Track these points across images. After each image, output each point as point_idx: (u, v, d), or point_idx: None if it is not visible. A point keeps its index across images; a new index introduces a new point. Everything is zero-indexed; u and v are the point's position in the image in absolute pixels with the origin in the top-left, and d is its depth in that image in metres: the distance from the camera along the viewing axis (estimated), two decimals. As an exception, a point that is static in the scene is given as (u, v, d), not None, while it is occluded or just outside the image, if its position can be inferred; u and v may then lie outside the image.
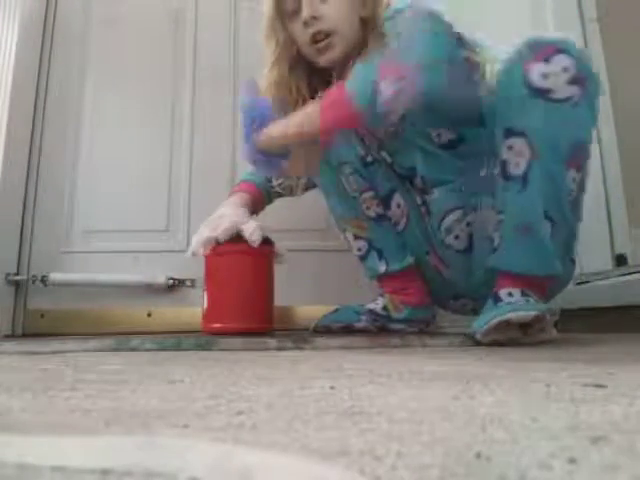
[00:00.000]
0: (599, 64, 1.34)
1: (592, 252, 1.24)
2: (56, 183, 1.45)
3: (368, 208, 1.05)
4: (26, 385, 0.39)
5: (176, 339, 0.79)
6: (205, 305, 0.97)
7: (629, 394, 0.32)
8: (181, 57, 1.54)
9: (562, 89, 0.72)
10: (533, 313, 0.72)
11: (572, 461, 0.18)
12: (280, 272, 1.26)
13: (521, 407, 0.28)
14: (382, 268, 1.07)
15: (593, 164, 1.34)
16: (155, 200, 1.46)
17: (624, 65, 1.36)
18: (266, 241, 0.96)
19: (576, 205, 0.82)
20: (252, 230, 0.91)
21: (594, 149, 1.32)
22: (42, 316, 1.36)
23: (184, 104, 1.51)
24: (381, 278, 1.10)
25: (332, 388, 0.36)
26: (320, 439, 0.22)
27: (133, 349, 0.76)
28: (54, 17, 1.54)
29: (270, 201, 1.17)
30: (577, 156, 0.77)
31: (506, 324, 0.73)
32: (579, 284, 1.20)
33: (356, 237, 1.09)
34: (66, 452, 0.20)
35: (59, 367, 0.53)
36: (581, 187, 0.81)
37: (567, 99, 0.72)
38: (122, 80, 1.52)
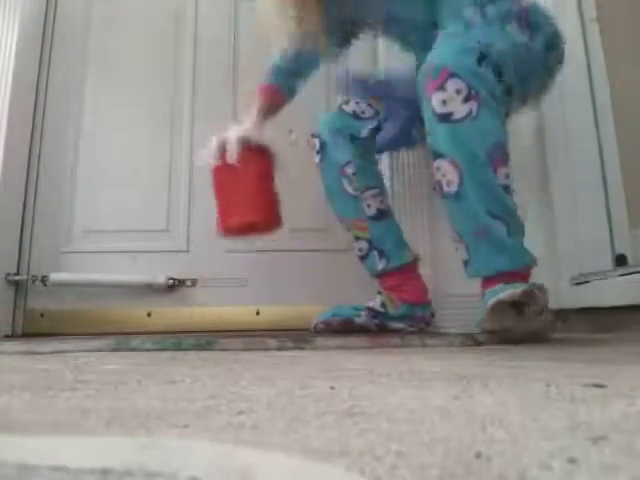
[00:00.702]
0: (599, 64, 1.34)
1: (592, 252, 1.24)
2: (56, 183, 1.45)
3: (369, 206, 1.07)
4: (26, 385, 0.39)
5: (176, 339, 0.79)
6: (217, 212, 1.04)
7: (629, 394, 0.32)
8: (181, 57, 1.54)
9: (460, 109, 0.81)
10: (521, 288, 0.76)
11: (572, 461, 0.18)
12: (280, 272, 1.25)
13: (521, 407, 0.28)
14: (381, 266, 1.08)
15: (593, 164, 1.34)
16: (155, 200, 1.46)
17: (624, 65, 1.36)
18: (262, 149, 1.02)
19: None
20: (231, 149, 0.98)
21: (594, 149, 1.33)
22: (42, 316, 1.36)
23: (184, 104, 1.51)
24: (380, 275, 1.11)
25: (332, 388, 0.36)
26: (320, 439, 0.22)
27: (133, 349, 0.76)
28: (54, 17, 1.54)
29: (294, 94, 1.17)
30: (498, 155, 0.83)
31: (501, 310, 0.75)
32: (579, 284, 1.20)
33: (358, 238, 1.10)
34: (66, 452, 0.20)
35: (59, 367, 0.53)
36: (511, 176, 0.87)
37: (467, 115, 0.81)
38: (122, 80, 1.52)
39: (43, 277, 1.35)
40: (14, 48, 1.37)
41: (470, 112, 0.81)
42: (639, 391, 0.33)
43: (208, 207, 1.41)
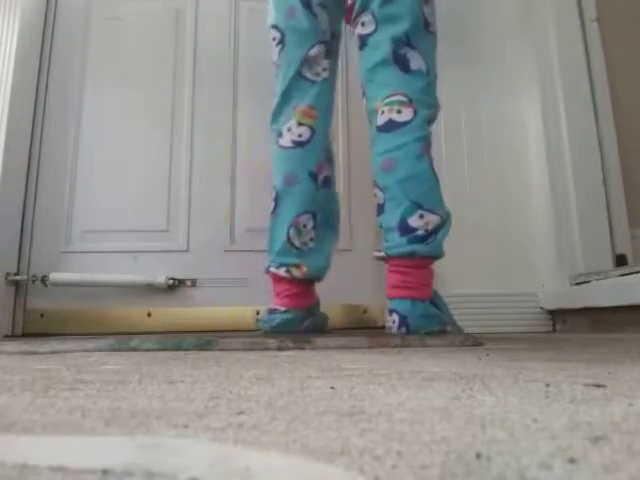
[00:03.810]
0: (599, 64, 1.34)
1: (592, 252, 1.24)
2: (56, 183, 1.45)
3: None
4: (26, 385, 0.39)
5: (176, 339, 0.79)
6: None
7: (629, 394, 0.32)
8: (181, 56, 1.54)
9: None
10: None
11: (572, 461, 0.18)
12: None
13: (521, 407, 0.28)
14: None
15: (593, 164, 1.34)
16: (155, 200, 1.46)
17: (624, 65, 1.36)
18: None
19: None
20: None
21: (594, 149, 1.33)
22: (42, 316, 1.36)
23: (184, 104, 1.51)
24: None
25: (332, 388, 0.36)
26: (320, 439, 0.22)
27: (133, 349, 0.76)
28: (54, 17, 1.54)
29: None
30: None
31: None
32: (579, 284, 1.20)
33: None
34: (66, 452, 0.20)
35: (59, 367, 0.53)
36: None
37: None
38: (122, 80, 1.52)
39: (43, 277, 1.35)
40: (14, 48, 1.37)
41: None
42: (639, 391, 0.33)
43: (208, 207, 1.41)
